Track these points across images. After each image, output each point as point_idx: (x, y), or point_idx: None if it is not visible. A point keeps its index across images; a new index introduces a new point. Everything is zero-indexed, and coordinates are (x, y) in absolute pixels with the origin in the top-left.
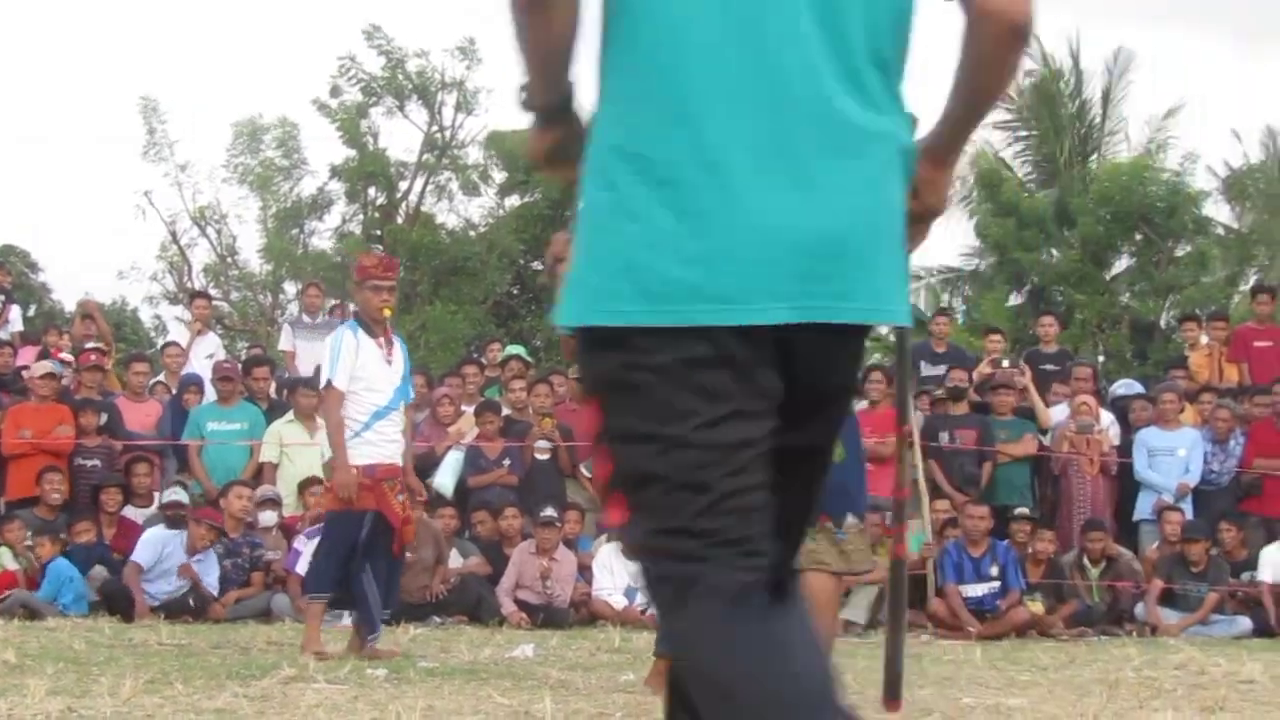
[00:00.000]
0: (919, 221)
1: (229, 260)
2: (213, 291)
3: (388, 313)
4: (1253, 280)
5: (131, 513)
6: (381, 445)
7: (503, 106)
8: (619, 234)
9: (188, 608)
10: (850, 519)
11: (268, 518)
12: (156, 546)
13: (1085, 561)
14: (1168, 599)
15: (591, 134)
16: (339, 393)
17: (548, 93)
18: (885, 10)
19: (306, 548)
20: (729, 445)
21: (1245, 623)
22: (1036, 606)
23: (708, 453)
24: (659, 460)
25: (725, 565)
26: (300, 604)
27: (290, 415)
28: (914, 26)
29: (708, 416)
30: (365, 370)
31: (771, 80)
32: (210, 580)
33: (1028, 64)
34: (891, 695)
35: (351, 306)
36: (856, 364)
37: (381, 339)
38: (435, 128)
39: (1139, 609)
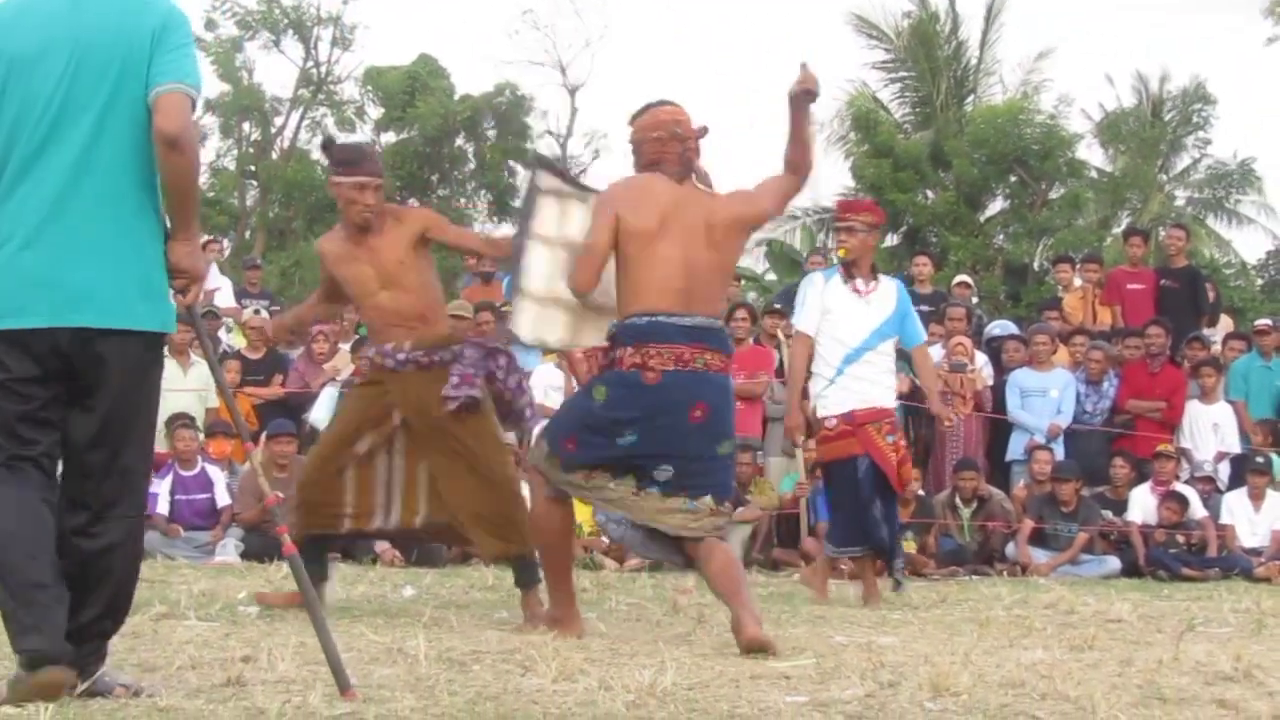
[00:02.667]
0: (193, 281)
1: None
2: None
3: (842, 253)
4: (1125, 223)
5: None
6: (857, 389)
7: (379, 43)
8: None
9: None
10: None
11: None
12: None
13: (957, 501)
14: (1038, 539)
15: None
16: (803, 338)
17: None
18: (127, 142)
19: (162, 488)
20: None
21: (1114, 562)
22: (909, 545)
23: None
24: None
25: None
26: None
27: (164, 349)
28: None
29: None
30: (834, 315)
31: (41, 192)
32: None
33: (906, 5)
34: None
35: (226, 243)
36: (110, 354)
37: (859, 280)
38: (311, 63)
39: (1010, 548)
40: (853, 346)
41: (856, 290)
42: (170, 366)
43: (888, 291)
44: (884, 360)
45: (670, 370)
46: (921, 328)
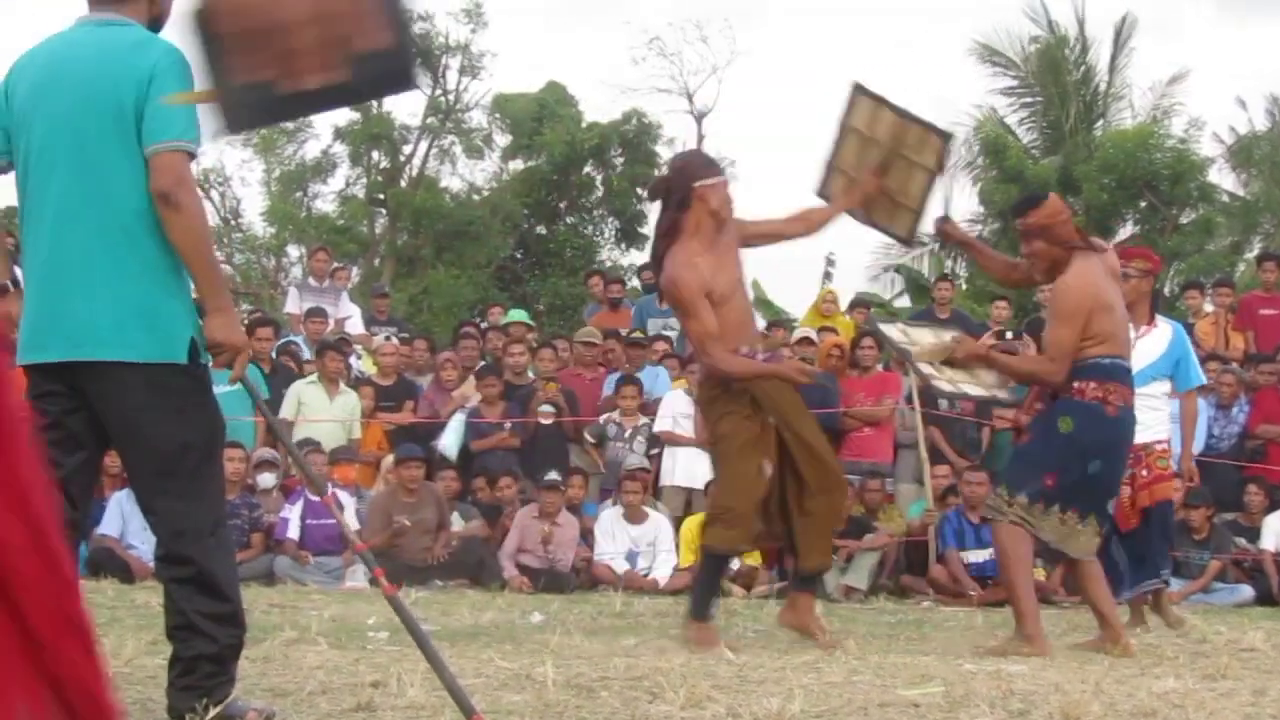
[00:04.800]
0: (235, 353)
1: (232, 223)
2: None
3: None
4: (1258, 248)
5: None
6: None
7: (507, 70)
8: None
9: None
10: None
11: (265, 480)
12: (116, 509)
13: None
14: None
15: None
16: None
17: None
18: (123, 181)
19: (293, 513)
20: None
21: (1247, 591)
22: (1039, 573)
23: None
24: None
25: None
26: None
27: (314, 377)
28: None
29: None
30: None
31: (42, 230)
32: None
33: (1033, 30)
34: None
35: (355, 270)
36: (114, 387)
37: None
38: (439, 91)
39: None
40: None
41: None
42: (316, 394)
43: (1161, 335)
44: (1146, 400)
45: (1122, 407)
46: (1198, 373)
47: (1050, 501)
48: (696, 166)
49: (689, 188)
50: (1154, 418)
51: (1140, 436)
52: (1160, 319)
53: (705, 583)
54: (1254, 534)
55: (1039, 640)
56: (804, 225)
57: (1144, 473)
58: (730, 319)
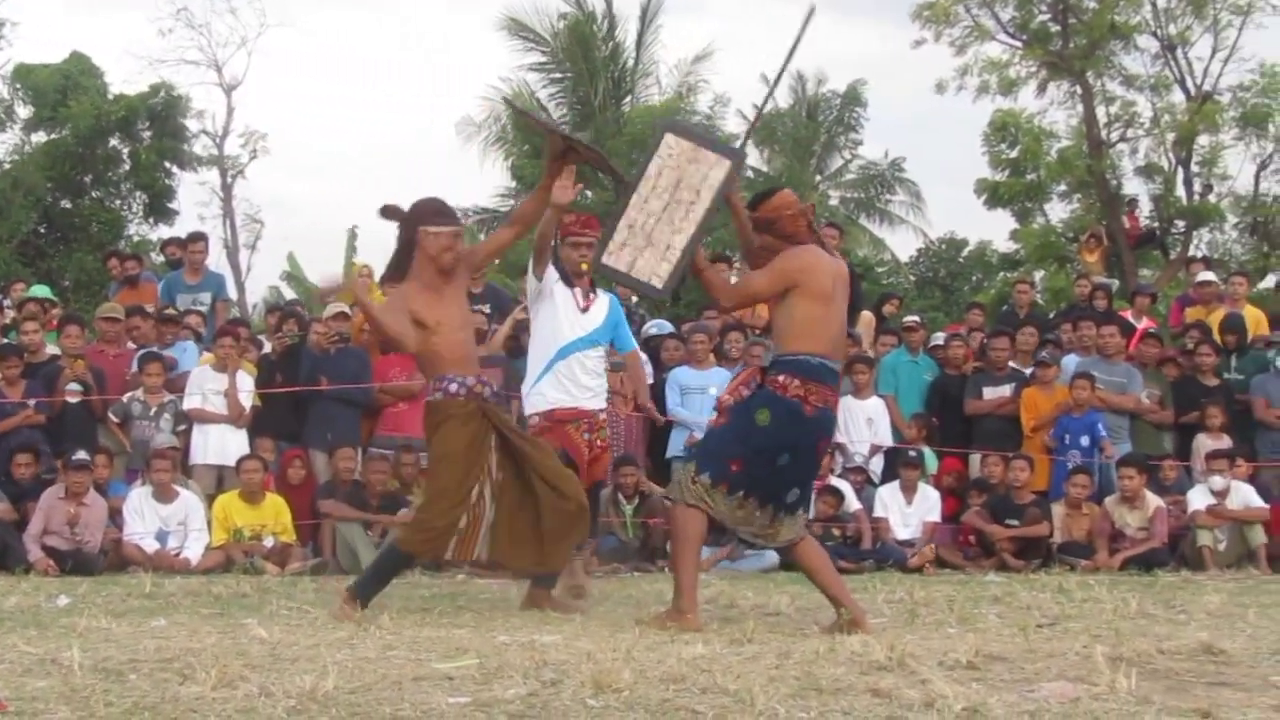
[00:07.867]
0: None
1: None
2: None
3: (585, 266)
4: None
5: None
6: (560, 390)
7: (29, 40)
8: None
9: None
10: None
11: None
12: None
13: (619, 498)
14: None
15: None
16: None
17: None
18: None
19: None
20: None
21: (773, 557)
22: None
23: None
24: None
25: None
26: None
27: None
28: None
29: None
30: (554, 317)
31: None
32: None
33: (563, 6)
34: None
35: None
36: None
37: (578, 289)
38: None
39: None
40: (560, 348)
41: (575, 297)
42: None
43: (603, 304)
44: (589, 363)
45: (821, 407)
46: (631, 338)
47: (734, 487)
48: (424, 213)
49: (414, 231)
50: (600, 384)
51: (591, 404)
52: (599, 290)
53: (380, 573)
54: None
55: (693, 615)
56: (521, 225)
57: (598, 441)
58: (456, 352)
